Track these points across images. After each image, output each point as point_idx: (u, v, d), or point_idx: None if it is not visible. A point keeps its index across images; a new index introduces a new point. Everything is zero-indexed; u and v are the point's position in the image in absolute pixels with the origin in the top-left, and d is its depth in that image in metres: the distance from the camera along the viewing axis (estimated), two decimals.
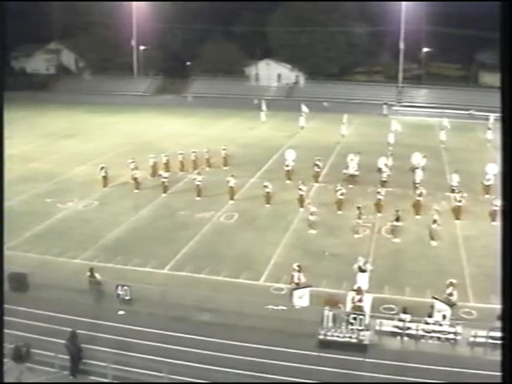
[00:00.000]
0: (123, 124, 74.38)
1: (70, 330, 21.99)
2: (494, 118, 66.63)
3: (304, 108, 74.16)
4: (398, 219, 35.49)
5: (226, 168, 50.00)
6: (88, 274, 27.50)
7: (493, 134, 62.54)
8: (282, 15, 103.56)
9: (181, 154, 49.96)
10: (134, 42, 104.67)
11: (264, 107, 77.51)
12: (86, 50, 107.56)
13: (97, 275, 27.50)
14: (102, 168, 45.24)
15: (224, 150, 51.58)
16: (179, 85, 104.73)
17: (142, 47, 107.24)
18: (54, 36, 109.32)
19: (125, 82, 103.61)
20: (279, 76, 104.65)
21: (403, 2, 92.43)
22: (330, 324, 23.68)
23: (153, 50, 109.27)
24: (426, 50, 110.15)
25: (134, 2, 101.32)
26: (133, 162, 46.13)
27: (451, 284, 25.75)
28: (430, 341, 24.00)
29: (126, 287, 26.74)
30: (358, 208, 36.86)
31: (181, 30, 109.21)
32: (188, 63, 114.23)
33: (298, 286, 26.81)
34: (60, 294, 26.85)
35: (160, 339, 23.71)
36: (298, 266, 27.77)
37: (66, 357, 21.38)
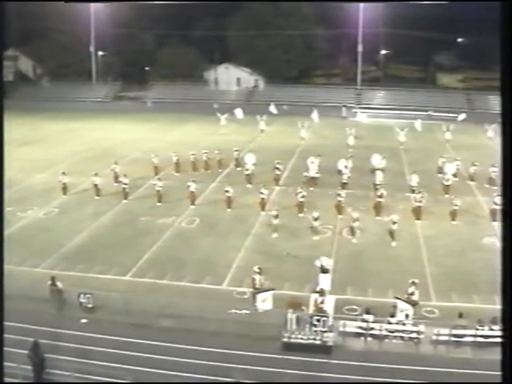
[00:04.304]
0: (83, 131, 73.71)
1: (32, 339, 21.71)
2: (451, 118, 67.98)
3: (272, 108, 76.88)
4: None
5: (196, 173, 49.88)
6: (49, 282, 27.13)
7: (451, 135, 63.52)
8: (241, 19, 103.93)
9: (154, 157, 50.27)
10: (92, 48, 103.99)
11: (239, 111, 78.46)
12: (44, 56, 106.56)
13: (58, 284, 27.13)
14: (62, 175, 44.69)
15: (193, 155, 51.58)
16: (138, 90, 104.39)
17: (100, 53, 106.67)
18: (11, 42, 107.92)
19: (83, 89, 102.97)
20: (238, 80, 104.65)
21: (361, 5, 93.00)
22: (294, 326, 23.66)
23: (111, 55, 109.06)
24: (383, 52, 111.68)
25: (92, 7, 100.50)
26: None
27: (413, 283, 25.96)
28: (394, 340, 24.17)
29: (88, 295, 26.45)
30: (316, 210, 37.13)
31: (139, 36, 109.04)
32: (147, 68, 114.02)
33: (261, 289, 26.80)
34: (21, 303, 26.35)
35: (123, 346, 23.47)
36: (259, 268, 27.77)
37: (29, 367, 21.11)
